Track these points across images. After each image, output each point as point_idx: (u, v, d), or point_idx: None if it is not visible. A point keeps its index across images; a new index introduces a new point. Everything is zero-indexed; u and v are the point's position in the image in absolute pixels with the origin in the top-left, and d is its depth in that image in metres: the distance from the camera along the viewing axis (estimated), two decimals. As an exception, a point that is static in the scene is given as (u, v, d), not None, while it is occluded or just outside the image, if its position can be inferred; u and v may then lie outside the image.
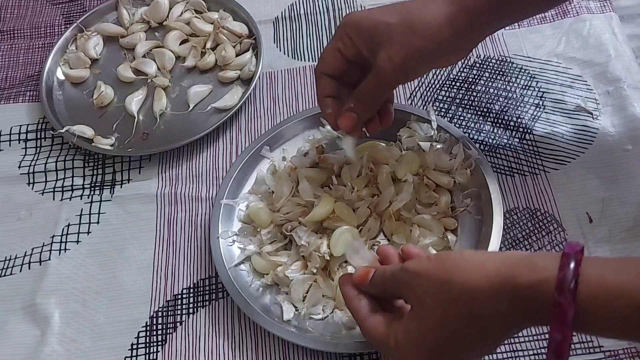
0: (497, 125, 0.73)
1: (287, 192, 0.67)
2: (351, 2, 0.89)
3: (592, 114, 0.73)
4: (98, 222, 0.71)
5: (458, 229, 0.65)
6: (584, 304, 0.39)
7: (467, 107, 0.75)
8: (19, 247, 0.70)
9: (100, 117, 0.80)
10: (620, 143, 0.70)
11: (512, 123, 0.73)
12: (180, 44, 0.85)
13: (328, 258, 0.62)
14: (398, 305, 0.52)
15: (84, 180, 0.75)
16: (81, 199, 0.73)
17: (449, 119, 0.74)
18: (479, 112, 0.75)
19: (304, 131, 0.73)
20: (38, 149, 0.78)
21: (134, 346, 0.62)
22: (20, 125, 0.80)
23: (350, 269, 0.63)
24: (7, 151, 0.78)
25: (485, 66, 0.79)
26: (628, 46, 0.78)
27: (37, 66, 0.86)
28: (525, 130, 0.72)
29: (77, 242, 0.70)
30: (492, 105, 0.75)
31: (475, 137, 0.72)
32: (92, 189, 0.74)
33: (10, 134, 0.79)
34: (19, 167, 0.76)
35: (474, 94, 0.77)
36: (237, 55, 0.83)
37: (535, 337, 0.59)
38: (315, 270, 0.62)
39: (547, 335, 0.58)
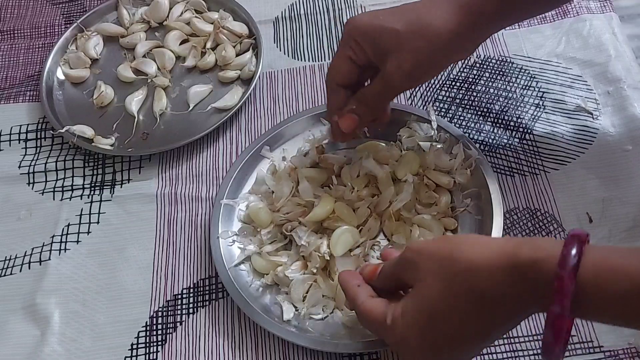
0: (497, 125, 0.73)
1: (287, 192, 0.67)
2: (351, 2, 0.89)
3: (592, 114, 0.73)
4: (98, 222, 0.71)
5: (458, 229, 0.65)
6: (585, 282, 0.38)
7: (467, 107, 0.75)
8: (19, 247, 0.70)
9: (101, 117, 0.80)
10: (620, 143, 0.70)
11: (512, 123, 0.73)
12: (181, 44, 0.85)
13: (328, 258, 0.62)
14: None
15: (84, 180, 0.75)
16: (81, 198, 0.73)
17: (449, 119, 0.74)
18: (479, 112, 0.75)
19: (304, 131, 0.73)
20: (38, 148, 0.78)
21: (134, 346, 0.62)
22: (20, 125, 0.80)
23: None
24: (7, 151, 0.78)
25: (485, 66, 0.79)
26: (628, 46, 0.78)
27: (37, 66, 0.86)
28: (526, 130, 0.72)
29: (77, 242, 0.70)
30: (492, 105, 0.75)
31: (475, 137, 0.72)
32: (92, 188, 0.74)
33: (10, 134, 0.80)
34: (19, 167, 0.76)
35: (474, 94, 0.77)
36: (237, 55, 0.83)
37: (535, 337, 0.59)
38: (315, 270, 0.62)
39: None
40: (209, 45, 0.83)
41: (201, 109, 0.79)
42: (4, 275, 0.68)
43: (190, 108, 0.79)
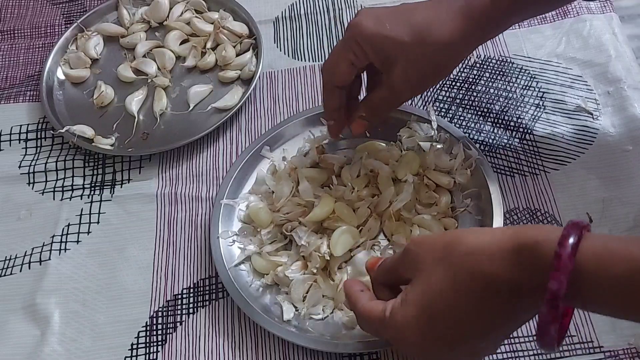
0: (498, 125, 0.73)
1: (287, 192, 0.67)
2: (351, 2, 0.89)
3: (592, 114, 0.73)
4: (98, 222, 0.71)
5: (458, 229, 0.65)
6: (584, 263, 0.38)
7: (468, 107, 0.75)
8: (19, 247, 0.70)
9: (101, 117, 0.80)
10: (620, 143, 0.70)
11: (512, 123, 0.73)
12: (181, 44, 0.85)
13: (328, 258, 0.62)
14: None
15: (84, 180, 0.75)
16: (81, 198, 0.73)
17: (449, 119, 0.74)
18: (479, 113, 0.75)
19: (304, 131, 0.73)
20: (38, 148, 0.78)
21: (134, 346, 0.62)
22: (21, 125, 0.80)
23: (350, 270, 0.63)
24: (7, 151, 0.78)
25: (485, 66, 0.79)
26: (628, 46, 0.78)
27: (37, 66, 0.86)
28: (526, 130, 0.72)
29: (77, 242, 0.70)
30: (492, 105, 0.75)
31: (476, 137, 0.72)
32: (92, 188, 0.74)
33: (10, 134, 0.80)
34: (19, 167, 0.76)
35: (474, 94, 0.77)
36: (238, 55, 0.83)
37: (535, 337, 0.59)
38: (315, 270, 0.62)
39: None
40: (209, 45, 0.83)
41: (201, 109, 0.79)
42: (4, 275, 0.68)
43: (191, 108, 0.79)
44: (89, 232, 0.70)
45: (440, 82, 0.78)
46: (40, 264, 0.68)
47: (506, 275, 0.41)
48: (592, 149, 0.70)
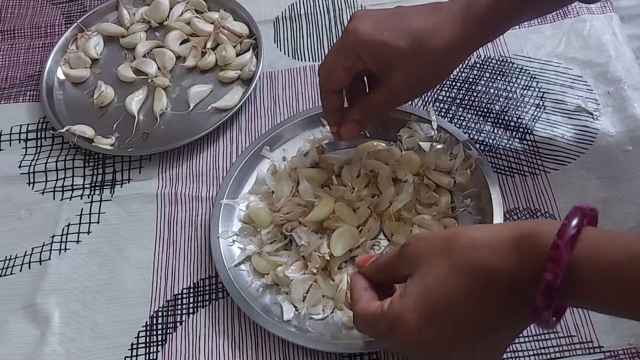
0: (498, 125, 0.73)
1: (287, 192, 0.67)
2: (351, 2, 0.89)
3: (592, 114, 0.73)
4: (98, 222, 0.71)
5: (459, 226, 0.65)
6: (582, 255, 0.38)
7: (468, 107, 0.75)
8: (19, 247, 0.70)
9: (101, 117, 0.80)
10: (620, 144, 0.70)
11: (512, 123, 0.73)
12: (181, 43, 0.85)
13: (328, 258, 0.62)
14: None
15: (84, 180, 0.75)
16: (81, 198, 0.73)
17: (449, 119, 0.74)
18: (479, 113, 0.75)
19: (304, 131, 0.73)
20: (38, 148, 0.78)
21: (134, 346, 0.62)
22: (21, 125, 0.80)
23: (350, 270, 0.63)
24: (7, 151, 0.78)
25: (485, 66, 0.79)
26: (628, 47, 0.78)
27: (37, 66, 0.86)
28: (526, 130, 0.72)
29: (77, 241, 0.70)
30: (492, 105, 0.75)
31: (476, 137, 0.72)
32: (92, 188, 0.74)
33: (10, 134, 0.80)
34: (19, 166, 0.76)
35: (475, 94, 0.77)
36: (238, 55, 0.83)
37: (535, 338, 0.59)
38: (315, 270, 0.62)
39: (547, 336, 0.59)
40: (209, 45, 0.83)
41: (201, 109, 0.79)
42: (4, 275, 0.68)
43: (191, 108, 0.79)
44: (89, 232, 0.70)
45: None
46: (40, 264, 0.68)
47: (505, 268, 0.41)
48: (592, 149, 0.70)
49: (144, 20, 0.89)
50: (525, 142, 0.72)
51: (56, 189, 0.74)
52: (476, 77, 0.78)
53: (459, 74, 0.78)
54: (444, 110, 0.75)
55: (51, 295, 0.66)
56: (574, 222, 0.39)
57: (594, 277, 0.39)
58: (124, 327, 0.63)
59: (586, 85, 0.76)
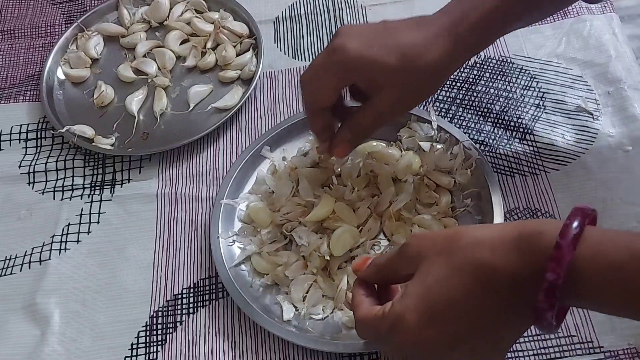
0: (498, 125, 0.73)
1: (287, 192, 0.67)
2: (351, 2, 0.89)
3: (592, 114, 0.73)
4: (98, 222, 0.71)
5: (461, 226, 0.65)
6: (583, 253, 0.38)
7: (468, 107, 0.75)
8: (19, 247, 0.70)
9: (101, 117, 0.80)
10: (620, 144, 0.70)
11: (512, 123, 0.73)
12: (181, 43, 0.85)
13: (328, 258, 0.62)
14: None
15: (84, 179, 0.75)
16: (81, 198, 0.73)
17: (449, 119, 0.74)
18: (480, 113, 0.75)
19: (304, 131, 0.73)
20: (38, 148, 0.78)
21: (134, 346, 0.62)
22: (21, 125, 0.80)
23: (350, 269, 0.63)
24: (7, 151, 0.78)
25: (485, 66, 0.79)
26: (628, 47, 0.78)
27: (37, 66, 0.86)
28: (526, 130, 0.72)
29: (77, 241, 0.70)
30: (492, 105, 0.75)
31: (476, 137, 0.72)
32: (92, 188, 0.74)
33: (10, 134, 0.80)
34: (19, 166, 0.76)
35: (475, 94, 0.77)
36: (238, 55, 0.83)
37: (535, 338, 0.59)
38: (315, 270, 0.62)
39: (547, 336, 0.59)
40: (209, 45, 0.83)
41: (201, 108, 0.79)
42: (4, 275, 0.68)
43: (191, 108, 0.79)
44: (89, 232, 0.70)
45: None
46: (40, 264, 0.68)
47: (506, 268, 0.41)
48: (592, 149, 0.70)
49: (144, 20, 0.89)
50: (525, 142, 0.72)
51: (56, 189, 0.74)
52: (476, 77, 0.78)
53: (459, 74, 0.78)
54: (444, 110, 0.75)
55: (51, 295, 0.66)
56: (576, 222, 0.39)
57: (595, 277, 0.39)
58: (124, 327, 0.63)
59: (586, 85, 0.76)
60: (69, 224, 0.71)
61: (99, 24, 0.89)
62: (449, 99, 0.76)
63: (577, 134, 0.71)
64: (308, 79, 0.59)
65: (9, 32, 0.91)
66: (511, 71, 0.78)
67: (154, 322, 0.64)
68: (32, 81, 0.84)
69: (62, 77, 0.84)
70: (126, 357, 0.62)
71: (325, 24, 0.87)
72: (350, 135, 0.60)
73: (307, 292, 0.62)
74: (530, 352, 0.58)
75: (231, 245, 0.66)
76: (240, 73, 0.81)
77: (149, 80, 0.82)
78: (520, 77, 0.77)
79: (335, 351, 0.59)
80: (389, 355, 0.59)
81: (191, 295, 0.65)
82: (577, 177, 0.68)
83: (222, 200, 0.68)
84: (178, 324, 0.63)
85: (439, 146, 0.68)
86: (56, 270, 0.68)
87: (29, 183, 0.75)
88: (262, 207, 0.67)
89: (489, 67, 0.79)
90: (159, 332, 0.63)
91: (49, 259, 0.68)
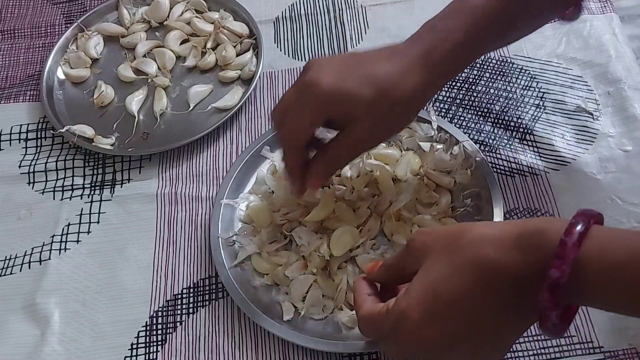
0: (498, 125, 0.73)
1: (287, 192, 0.67)
2: (351, 2, 0.89)
3: (592, 114, 0.73)
4: (98, 222, 0.71)
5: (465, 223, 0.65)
6: (588, 252, 0.38)
7: (468, 107, 0.75)
8: (19, 247, 0.70)
9: (101, 117, 0.80)
10: (620, 144, 0.70)
11: (512, 123, 0.73)
12: (181, 43, 0.85)
13: (328, 258, 0.62)
14: None
15: (84, 179, 0.75)
16: (81, 198, 0.73)
17: (449, 119, 0.74)
18: (479, 113, 0.75)
19: (304, 131, 0.73)
20: (38, 148, 0.78)
21: (134, 346, 0.62)
22: (21, 125, 0.80)
23: (350, 269, 0.63)
24: (7, 151, 0.78)
25: (485, 66, 0.79)
26: (628, 47, 0.78)
27: (37, 66, 0.86)
28: (526, 130, 0.72)
29: (77, 241, 0.70)
30: (492, 105, 0.75)
31: (476, 137, 0.72)
32: (92, 188, 0.74)
33: (10, 134, 0.79)
34: (19, 166, 0.76)
35: (475, 94, 0.77)
36: (238, 55, 0.83)
37: (535, 338, 0.59)
38: (315, 270, 0.62)
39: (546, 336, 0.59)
40: (209, 45, 0.83)
41: (201, 108, 0.79)
42: (4, 275, 0.68)
43: (191, 108, 0.79)
44: (89, 232, 0.70)
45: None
46: (40, 264, 0.68)
47: (509, 265, 0.41)
48: (592, 149, 0.70)
49: (144, 20, 0.89)
50: (525, 142, 0.72)
51: (56, 189, 0.74)
52: (476, 77, 0.78)
53: (459, 74, 0.78)
54: (444, 110, 0.75)
55: (51, 295, 0.66)
56: (581, 221, 0.39)
57: (601, 276, 0.38)
58: (124, 327, 0.63)
59: (586, 85, 0.76)
60: (69, 224, 0.71)
61: (99, 24, 0.89)
62: (449, 99, 0.76)
63: (577, 134, 0.72)
64: (281, 116, 0.57)
65: (9, 32, 0.91)
66: (511, 71, 0.78)
67: (154, 322, 0.64)
68: (32, 81, 0.84)
69: (62, 77, 0.84)
70: (126, 357, 0.62)
71: (325, 24, 0.87)
72: (325, 167, 0.59)
73: (307, 292, 0.62)
74: (530, 352, 0.58)
75: (231, 245, 0.66)
76: (240, 73, 0.81)
77: (149, 80, 0.82)
78: (520, 77, 0.77)
79: (335, 351, 0.59)
80: (389, 355, 0.59)
81: (191, 295, 0.65)
82: (577, 177, 0.68)
83: (222, 200, 0.68)
84: (178, 324, 0.63)
85: (439, 146, 0.68)
86: (56, 270, 0.68)
87: (29, 183, 0.75)
88: (262, 207, 0.67)
89: (489, 67, 0.79)
90: (159, 332, 0.63)
91: (49, 258, 0.68)
